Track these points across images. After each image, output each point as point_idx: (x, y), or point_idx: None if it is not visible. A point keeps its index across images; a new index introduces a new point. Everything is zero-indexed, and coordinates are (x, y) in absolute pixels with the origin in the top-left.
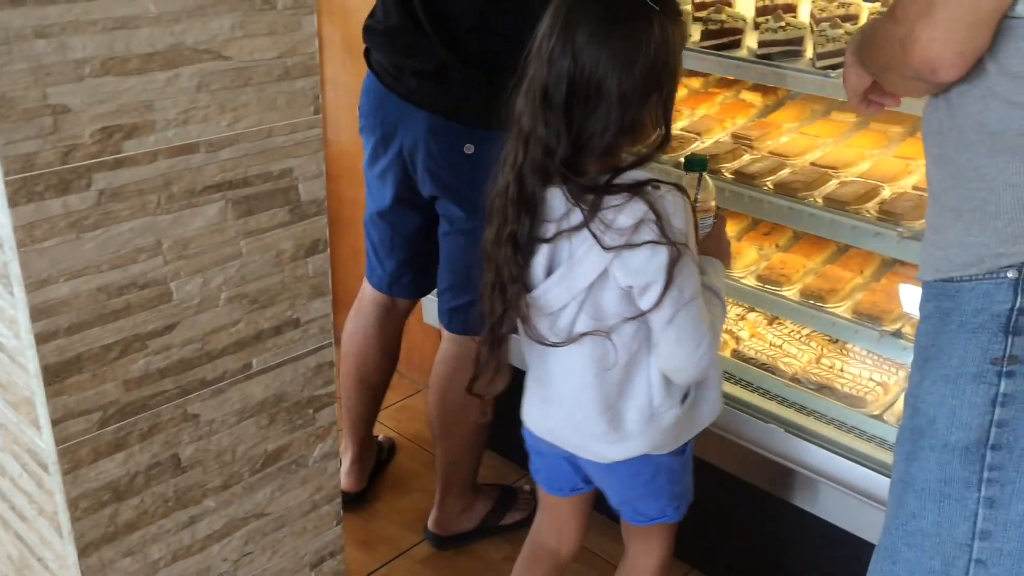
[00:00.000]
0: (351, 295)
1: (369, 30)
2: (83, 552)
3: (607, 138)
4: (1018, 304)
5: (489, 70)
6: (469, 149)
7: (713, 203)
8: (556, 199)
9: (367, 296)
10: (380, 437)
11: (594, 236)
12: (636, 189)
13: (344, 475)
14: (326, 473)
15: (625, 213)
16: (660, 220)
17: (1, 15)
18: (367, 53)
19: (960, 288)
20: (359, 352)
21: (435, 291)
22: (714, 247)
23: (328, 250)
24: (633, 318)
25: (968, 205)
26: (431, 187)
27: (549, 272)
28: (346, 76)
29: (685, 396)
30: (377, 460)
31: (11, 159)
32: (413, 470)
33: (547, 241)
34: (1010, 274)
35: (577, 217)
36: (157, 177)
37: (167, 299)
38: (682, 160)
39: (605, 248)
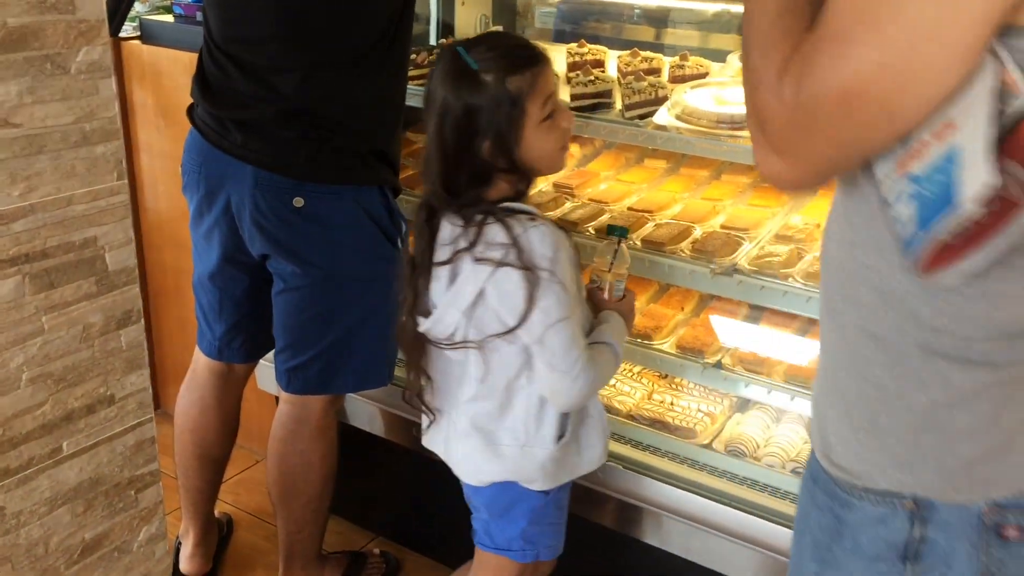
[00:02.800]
0: (182, 367)
1: (195, 80)
2: None
3: (461, 177)
4: (916, 534)
5: (314, 124)
6: (299, 202)
7: (626, 270)
8: (446, 227)
9: (201, 365)
10: (217, 513)
11: (473, 257)
12: (502, 217)
13: (187, 559)
14: (154, 557)
15: (490, 237)
16: (518, 246)
17: None
18: (191, 110)
19: (852, 505)
20: (197, 426)
21: (270, 354)
22: (625, 310)
23: (142, 321)
24: (499, 335)
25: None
26: (261, 245)
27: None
28: (162, 141)
29: (561, 436)
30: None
31: None
32: (256, 545)
33: (444, 264)
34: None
35: (464, 241)
36: None
37: None
38: (605, 224)
39: (476, 261)
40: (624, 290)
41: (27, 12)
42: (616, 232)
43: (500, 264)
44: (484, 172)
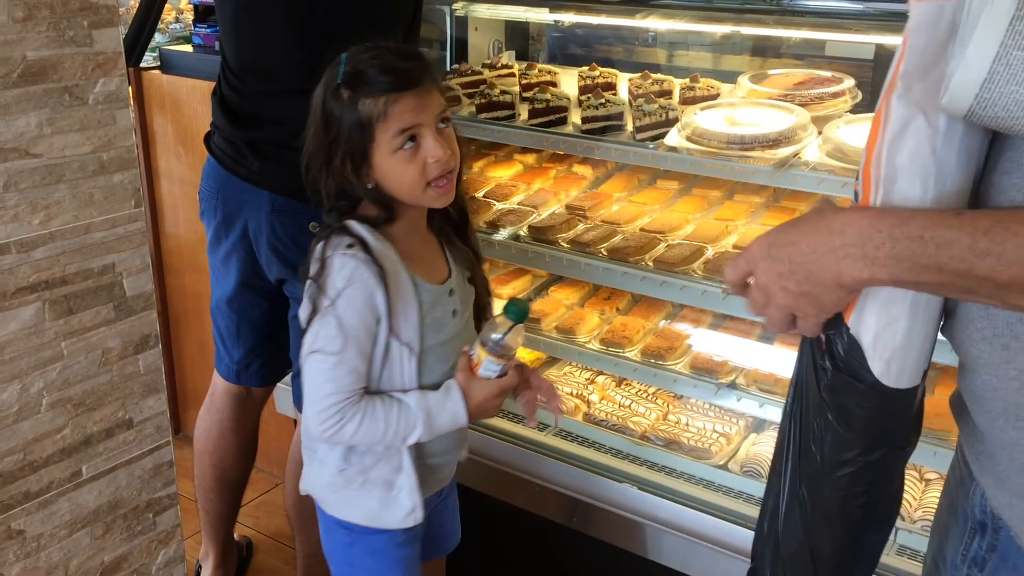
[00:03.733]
0: (201, 391)
1: (214, 103)
2: None
3: (327, 185)
4: None
5: None
6: (315, 227)
7: (513, 357)
8: None
9: (219, 389)
10: (236, 536)
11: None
12: (330, 233)
13: None
14: None
15: (315, 250)
16: (323, 265)
17: None
18: (208, 137)
19: None
20: (216, 449)
21: (288, 377)
22: (480, 392)
23: (159, 345)
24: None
25: None
26: (278, 269)
27: None
28: (181, 168)
29: (343, 468)
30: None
31: None
32: (275, 569)
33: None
34: None
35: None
36: None
37: None
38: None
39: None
40: (500, 373)
41: (46, 45)
42: (512, 313)
43: (306, 276)
44: (350, 188)
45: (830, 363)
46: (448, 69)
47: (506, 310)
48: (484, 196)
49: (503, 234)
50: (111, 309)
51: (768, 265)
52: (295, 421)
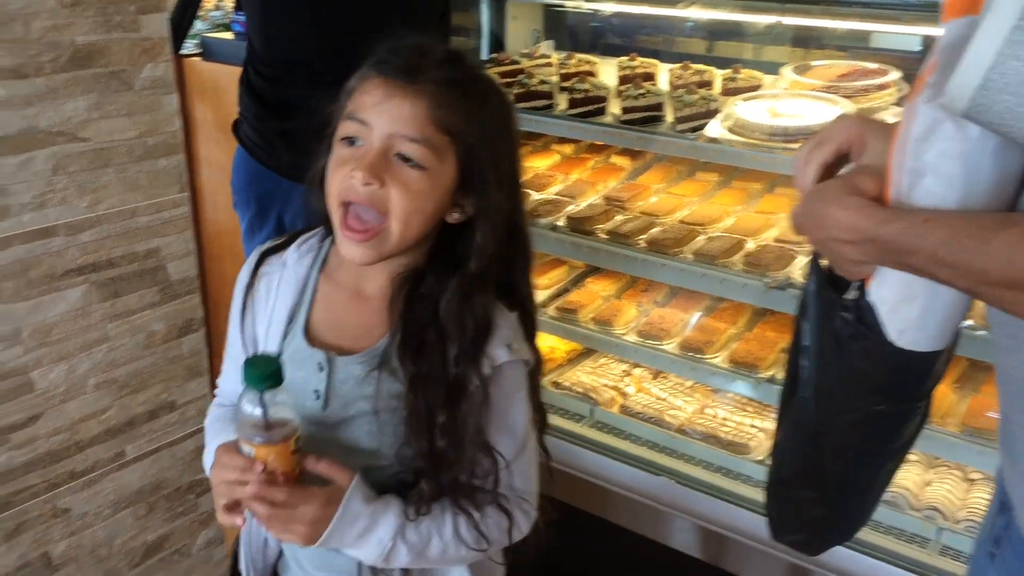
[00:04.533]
0: None
1: (244, 92)
2: None
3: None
4: None
5: None
6: None
7: (292, 422)
8: None
9: None
10: None
11: None
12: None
13: None
14: (212, 561)
15: None
16: None
17: None
18: (236, 126)
19: None
20: None
21: None
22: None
23: (203, 329)
24: None
25: None
26: None
27: None
28: (221, 155)
29: None
30: None
31: None
32: None
33: None
34: None
35: None
36: (13, 263)
37: (29, 389)
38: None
39: None
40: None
41: (94, 31)
42: (250, 378)
43: None
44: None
45: (854, 314)
46: (486, 58)
47: (252, 376)
48: (522, 186)
49: (541, 224)
50: (156, 293)
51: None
52: None
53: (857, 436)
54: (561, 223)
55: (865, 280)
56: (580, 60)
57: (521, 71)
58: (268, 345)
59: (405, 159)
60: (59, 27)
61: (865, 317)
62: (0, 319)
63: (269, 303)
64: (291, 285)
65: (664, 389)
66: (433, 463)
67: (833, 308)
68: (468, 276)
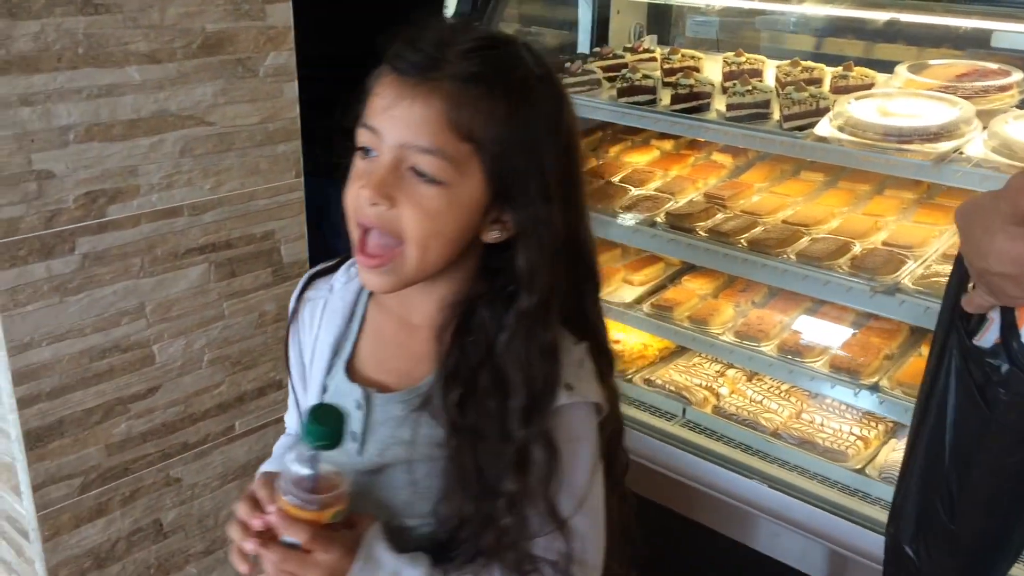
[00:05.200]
0: None
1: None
2: None
3: None
4: None
5: None
6: None
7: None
8: None
9: None
10: None
11: None
12: None
13: None
14: None
15: None
16: None
17: None
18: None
19: None
20: None
21: None
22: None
23: None
24: None
25: None
26: None
27: None
28: None
29: None
30: None
31: None
32: None
33: None
34: None
35: None
36: (140, 240)
37: (150, 362)
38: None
39: None
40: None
41: (223, 18)
42: (312, 433)
43: None
44: None
45: (1006, 360)
46: (589, 51)
47: (306, 430)
48: (620, 181)
49: (638, 220)
50: (269, 274)
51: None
52: None
53: (995, 489)
54: (660, 219)
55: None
56: (684, 55)
57: (624, 65)
58: (313, 378)
59: (420, 173)
60: (191, 14)
61: (1019, 360)
62: (127, 294)
63: (313, 331)
64: (337, 313)
65: (759, 391)
66: (479, 528)
67: (975, 355)
68: (526, 309)
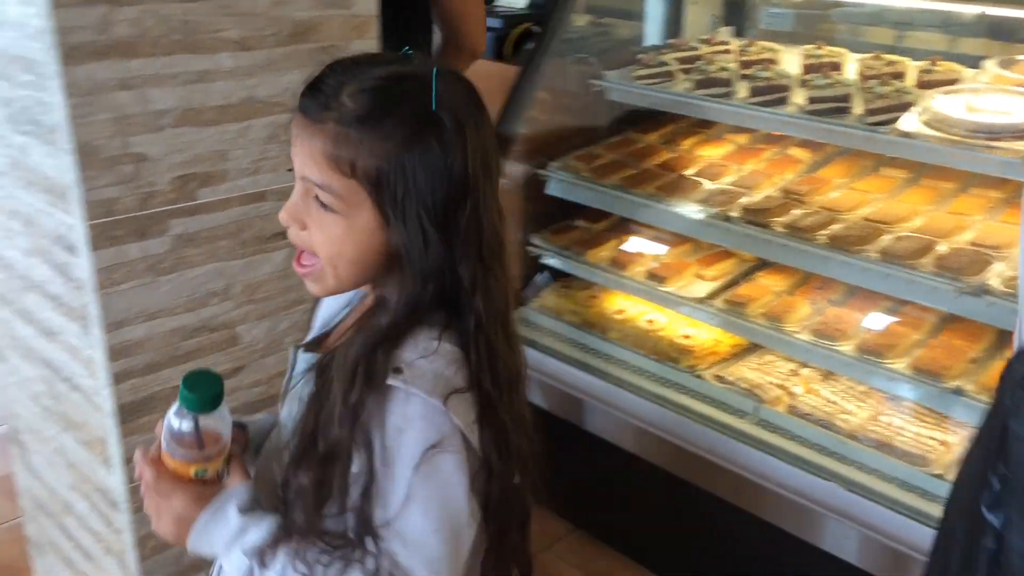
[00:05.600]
0: None
1: None
2: None
3: None
4: None
5: None
6: None
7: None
8: None
9: None
10: None
11: None
12: None
13: None
14: None
15: None
16: None
17: (88, 67)
18: None
19: None
20: None
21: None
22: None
23: None
24: None
25: None
26: None
27: None
28: None
29: None
30: None
31: (93, 204)
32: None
33: None
34: None
35: None
36: (229, 224)
37: (235, 342)
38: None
39: None
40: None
41: (311, 7)
42: (185, 398)
43: None
44: None
45: None
46: (663, 43)
47: (180, 395)
48: (694, 175)
49: (712, 214)
50: None
51: None
52: None
53: None
54: (734, 214)
55: None
56: (762, 47)
57: (699, 57)
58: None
59: (321, 203)
60: (282, 3)
61: None
62: (216, 275)
63: (328, 302)
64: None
65: (835, 392)
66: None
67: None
68: (375, 329)
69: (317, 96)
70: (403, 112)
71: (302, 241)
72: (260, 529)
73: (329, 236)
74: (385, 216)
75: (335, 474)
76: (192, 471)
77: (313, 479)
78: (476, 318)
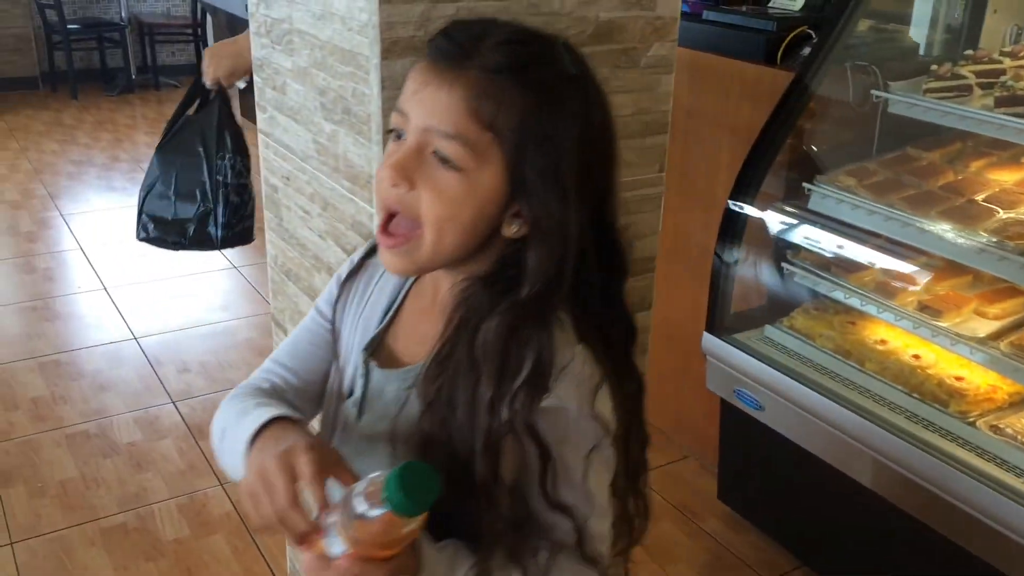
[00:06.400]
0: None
1: None
2: None
3: None
4: None
5: None
6: None
7: (365, 543)
8: None
9: None
10: None
11: None
12: None
13: None
14: None
15: None
16: None
17: (403, 62)
18: None
19: None
20: None
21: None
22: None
23: (652, 308)
24: None
25: None
26: None
27: None
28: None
29: None
30: None
31: None
32: (679, 540)
33: None
34: None
35: None
36: None
37: None
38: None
39: None
40: (339, 556)
41: (616, 7)
42: (392, 494)
43: None
44: None
45: None
46: (961, 55)
47: (387, 484)
48: (984, 201)
49: (1007, 247)
50: None
51: None
52: (717, 402)
53: None
54: None
55: None
56: None
57: (1002, 71)
58: (352, 346)
59: (441, 158)
60: (588, 2)
61: None
62: None
63: (364, 299)
64: (391, 283)
65: None
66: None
67: None
68: (518, 304)
69: (456, 45)
70: (547, 69)
71: (405, 205)
72: (461, 556)
73: (445, 196)
74: (516, 176)
75: (494, 479)
76: (388, 554)
77: (484, 491)
78: (604, 296)
